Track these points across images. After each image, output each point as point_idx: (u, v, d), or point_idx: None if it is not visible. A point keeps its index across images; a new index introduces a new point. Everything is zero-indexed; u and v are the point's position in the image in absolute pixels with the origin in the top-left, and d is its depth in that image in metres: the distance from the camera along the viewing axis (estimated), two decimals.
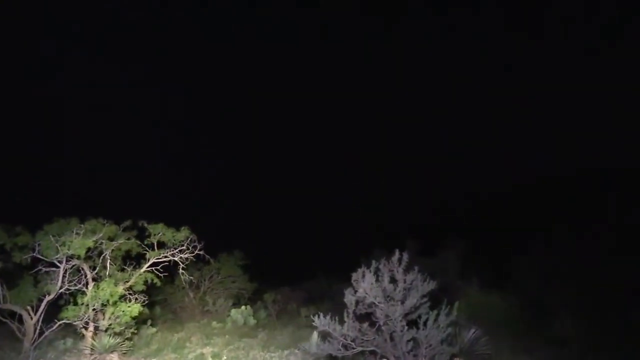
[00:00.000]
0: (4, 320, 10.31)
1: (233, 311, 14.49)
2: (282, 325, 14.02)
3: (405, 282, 8.24)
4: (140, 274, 10.98)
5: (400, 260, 8.40)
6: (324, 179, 26.15)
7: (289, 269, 21.98)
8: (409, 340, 8.01)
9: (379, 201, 25.03)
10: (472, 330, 9.03)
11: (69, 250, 9.72)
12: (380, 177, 25.05)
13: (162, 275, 11.25)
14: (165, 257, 11.24)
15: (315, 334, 10.59)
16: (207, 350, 11.34)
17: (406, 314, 8.19)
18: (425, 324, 8.08)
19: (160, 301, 15.38)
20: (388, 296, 8.22)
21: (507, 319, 11.38)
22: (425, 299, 8.40)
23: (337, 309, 8.88)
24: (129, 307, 10.31)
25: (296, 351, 10.64)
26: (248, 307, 14.80)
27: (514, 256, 14.91)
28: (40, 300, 10.17)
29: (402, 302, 8.17)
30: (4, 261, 10.08)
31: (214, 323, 14.07)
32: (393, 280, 8.37)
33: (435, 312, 8.20)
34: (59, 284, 10.16)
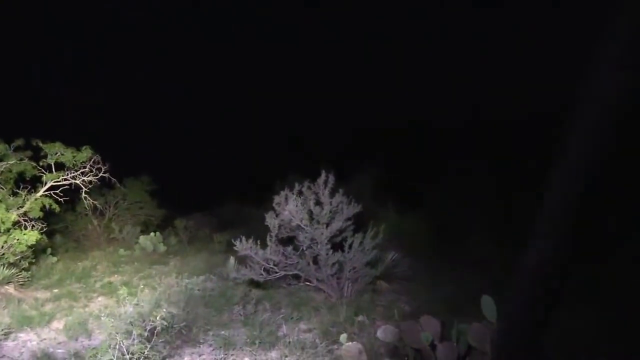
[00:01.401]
0: None
1: (141, 238, 13.73)
2: (194, 251, 13.57)
3: (331, 204, 8.03)
4: (36, 199, 9.90)
5: (326, 182, 8.16)
6: (231, 105, 25.15)
7: (199, 195, 21.33)
8: (333, 264, 7.92)
9: (290, 126, 24.58)
10: (393, 253, 9.11)
11: None
12: (293, 104, 24.46)
13: (62, 200, 10.24)
14: (65, 179, 10.19)
15: (232, 259, 10.28)
16: (116, 278, 10.71)
17: (331, 237, 8.05)
18: (350, 247, 8.00)
19: (61, 229, 14.23)
20: (313, 219, 8.00)
21: (423, 242, 11.72)
22: (349, 222, 8.30)
23: (252, 234, 8.58)
24: (24, 235, 9.31)
25: (212, 277, 10.30)
26: (157, 233, 14.09)
27: (427, 182, 15.37)
28: None
29: (328, 225, 8.01)
30: None
31: (121, 251, 13.31)
32: (318, 203, 8.14)
33: (360, 234, 8.13)
34: None
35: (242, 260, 10.30)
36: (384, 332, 4.91)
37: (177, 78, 24.80)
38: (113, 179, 11.04)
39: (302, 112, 24.26)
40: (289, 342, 6.44)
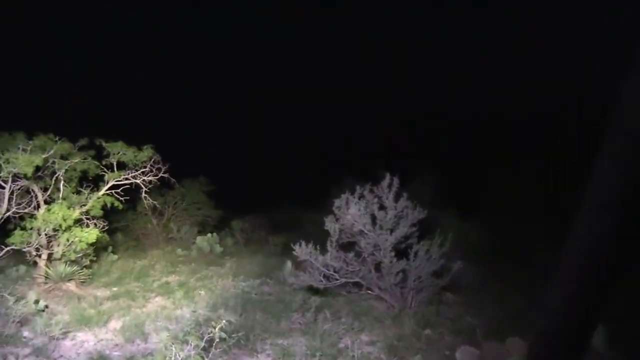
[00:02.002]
0: None
1: (199, 238, 13.72)
2: (250, 253, 13.39)
3: (396, 209, 7.56)
4: (98, 198, 9.94)
5: (390, 185, 7.69)
6: (287, 107, 25.01)
7: (254, 197, 21.30)
8: (398, 272, 7.45)
9: (344, 131, 24.20)
10: (459, 262, 8.52)
11: (14, 168, 8.55)
12: (345, 109, 24.09)
13: (123, 199, 10.26)
14: (126, 179, 10.19)
15: (288, 263, 10.00)
16: (173, 278, 10.63)
17: (395, 244, 7.59)
18: (416, 255, 7.51)
19: (121, 228, 14.43)
20: (376, 224, 7.56)
21: (487, 250, 11.05)
22: (414, 229, 7.81)
23: (307, 238, 8.23)
24: (85, 232, 9.34)
25: (269, 280, 10.04)
26: (214, 234, 14.04)
27: (486, 188, 14.65)
28: None
29: (392, 231, 7.54)
30: None
31: (179, 250, 13.31)
32: (382, 208, 7.70)
33: (427, 242, 7.62)
34: (5, 206, 9.05)
35: (298, 265, 10.00)
36: (463, 354, 4.41)
37: (235, 80, 24.97)
38: (172, 179, 10.99)
39: (354, 115, 23.89)
40: (352, 355, 6.03)
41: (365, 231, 7.54)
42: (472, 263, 9.05)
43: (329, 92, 24.09)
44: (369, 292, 8.04)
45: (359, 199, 7.88)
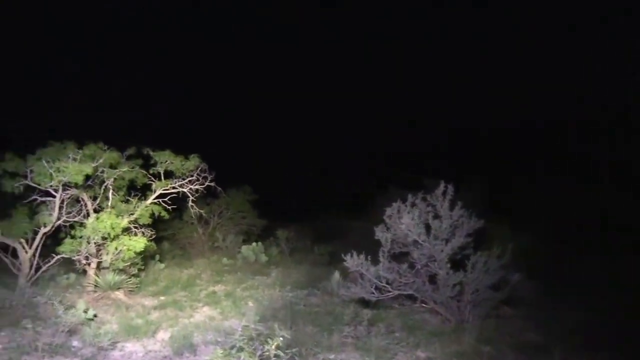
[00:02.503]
0: None
1: (244, 248, 13.62)
2: (295, 262, 13.18)
3: (451, 218, 7.18)
4: (146, 206, 9.94)
5: (445, 193, 7.32)
6: (329, 116, 24.82)
7: (297, 206, 21.21)
8: (454, 285, 7.06)
9: (387, 141, 23.85)
10: (517, 274, 8.02)
11: (64, 177, 8.62)
12: (385, 119, 23.74)
13: (170, 208, 10.24)
14: (174, 187, 10.16)
15: (336, 274, 9.72)
16: (219, 288, 10.51)
17: (451, 255, 7.20)
18: (473, 266, 7.10)
19: (168, 236, 14.51)
20: (432, 234, 7.19)
21: (544, 261, 10.48)
22: (470, 239, 7.40)
23: (353, 248, 7.92)
24: (133, 241, 9.33)
25: (316, 291, 9.78)
26: (259, 243, 13.93)
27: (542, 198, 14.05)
28: (36, 233, 9.20)
29: (448, 241, 7.16)
30: None
31: (225, 260, 13.24)
32: (436, 217, 7.33)
33: (484, 253, 7.20)
34: (56, 215, 9.14)
35: (346, 275, 9.70)
36: None
37: (280, 91, 25.03)
38: (219, 188, 10.91)
39: (395, 124, 23.53)
40: None
41: (420, 241, 7.18)
42: (530, 276, 8.54)
43: (369, 100, 23.85)
44: (423, 305, 7.67)
45: (412, 207, 7.54)
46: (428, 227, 7.34)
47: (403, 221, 7.26)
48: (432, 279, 7.44)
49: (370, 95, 23.77)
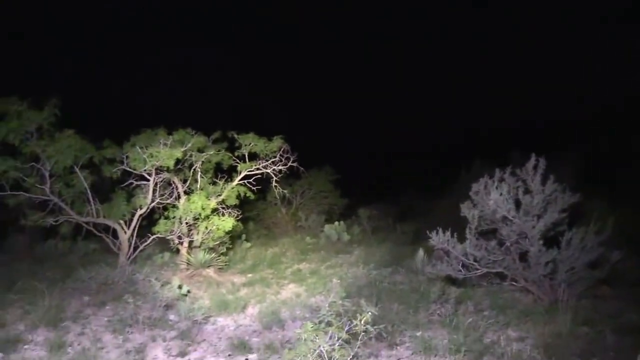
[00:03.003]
0: (99, 234, 10.12)
1: (326, 227, 13.78)
2: (378, 241, 13.12)
3: (544, 192, 6.82)
4: (232, 187, 10.30)
5: (536, 167, 6.95)
6: (412, 92, 24.25)
7: (378, 185, 21.07)
8: (547, 263, 6.72)
9: (470, 113, 22.96)
10: (617, 252, 7.46)
11: (157, 162, 9.10)
12: (465, 92, 22.80)
13: (254, 189, 10.53)
14: (258, 169, 10.43)
15: (420, 251, 9.58)
16: (304, 266, 10.73)
17: (544, 232, 6.85)
18: (569, 243, 6.72)
19: (253, 217, 14.99)
20: (521, 210, 6.88)
21: None
22: (565, 214, 6.99)
23: (437, 226, 7.68)
24: (222, 221, 9.72)
25: (400, 269, 9.71)
26: (341, 222, 14.02)
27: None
28: (133, 215, 9.82)
29: (540, 218, 6.82)
30: (95, 175, 9.71)
31: (308, 238, 13.47)
32: (527, 192, 6.99)
33: (582, 229, 6.79)
34: (150, 197, 9.70)
35: (430, 253, 9.52)
36: None
37: (359, 69, 24.82)
38: (301, 168, 11.05)
39: (477, 97, 22.58)
40: (501, 352, 5.51)
41: (510, 217, 6.88)
42: (632, 253, 7.94)
43: (449, 75, 23.06)
44: (514, 283, 7.37)
45: (500, 182, 7.23)
46: (518, 203, 7.01)
47: (491, 197, 6.99)
48: (523, 256, 7.12)
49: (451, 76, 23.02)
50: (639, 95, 16.51)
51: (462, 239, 7.46)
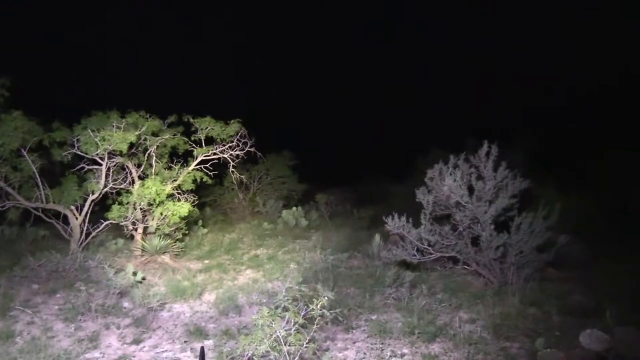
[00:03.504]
0: (49, 220, 9.79)
1: (284, 212, 13.78)
2: (336, 226, 13.23)
3: (495, 179, 7.03)
4: (188, 172, 10.13)
5: (488, 154, 7.15)
6: (369, 78, 24.34)
7: (336, 170, 21.14)
8: (498, 247, 6.95)
9: (427, 102, 23.24)
10: (564, 237, 7.78)
11: (109, 145, 8.83)
12: (428, 77, 23.04)
13: (211, 174, 10.39)
14: (215, 154, 10.28)
15: (377, 237, 9.71)
16: (261, 251, 10.70)
17: (495, 217, 7.07)
18: (518, 228, 6.96)
19: (210, 202, 14.82)
20: (475, 196, 7.07)
21: (594, 225, 10.13)
22: (515, 200, 7.23)
23: (394, 211, 7.84)
24: (178, 206, 9.56)
25: (356, 254, 9.83)
26: (299, 208, 14.05)
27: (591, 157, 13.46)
28: (85, 200, 9.54)
29: (491, 203, 7.03)
30: (44, 158, 9.37)
31: (265, 224, 13.42)
32: (479, 178, 7.18)
33: (531, 214, 7.04)
34: (103, 182, 9.44)
35: (386, 238, 9.69)
36: (589, 338, 3.94)
37: (325, 54, 24.61)
38: (259, 153, 10.96)
39: (443, 84, 22.85)
40: (453, 334, 5.68)
41: (463, 203, 7.07)
42: (577, 238, 8.29)
43: (418, 58, 23.18)
44: (466, 267, 7.60)
45: (454, 168, 7.40)
46: (471, 189, 7.21)
47: (445, 183, 7.15)
48: (475, 240, 7.34)
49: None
50: (597, 83, 17.08)
51: (417, 224, 7.62)
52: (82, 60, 18.75)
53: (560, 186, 12.38)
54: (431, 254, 7.41)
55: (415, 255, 7.45)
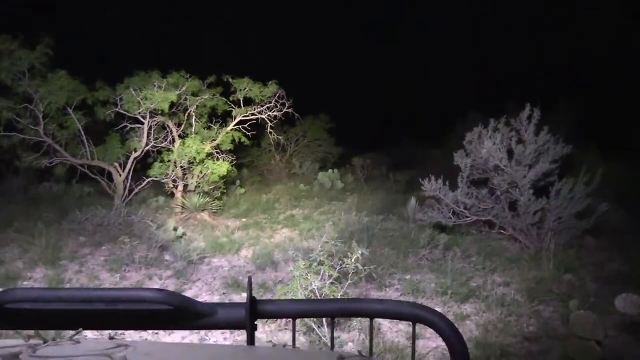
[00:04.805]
0: (94, 177, 10.18)
1: (320, 174, 13.86)
2: (371, 189, 13.23)
3: (536, 143, 6.90)
4: (227, 133, 10.29)
5: (530, 117, 7.00)
6: (407, 44, 23.78)
7: (373, 134, 21.01)
8: (535, 212, 6.87)
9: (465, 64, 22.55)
10: (604, 204, 7.60)
11: (151, 104, 9.05)
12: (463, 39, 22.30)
13: (249, 134, 10.53)
14: (253, 114, 10.39)
15: (412, 200, 9.70)
16: (297, 212, 10.87)
17: (534, 182, 6.97)
18: (558, 193, 6.85)
19: (247, 163, 15.01)
20: (515, 160, 6.97)
21: (636, 192, 9.85)
22: (556, 165, 7.09)
23: (430, 175, 7.82)
24: (217, 165, 9.78)
25: (391, 216, 9.86)
26: (335, 170, 14.11)
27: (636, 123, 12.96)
28: (128, 158, 9.85)
29: (531, 167, 6.92)
30: (88, 117, 9.67)
31: (301, 186, 13.56)
32: (520, 142, 7.06)
33: (571, 180, 6.91)
34: (144, 140, 9.71)
35: (422, 201, 9.68)
36: (624, 302, 3.92)
37: (356, 18, 24.22)
38: (297, 115, 11.01)
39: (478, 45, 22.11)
40: (486, 296, 5.73)
41: (502, 166, 6.99)
42: (619, 206, 8.10)
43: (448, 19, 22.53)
44: (502, 231, 7.56)
45: (494, 132, 7.29)
46: (510, 153, 7.10)
47: (484, 146, 7.07)
48: (513, 205, 7.28)
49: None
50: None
51: (454, 187, 7.60)
52: (124, 22, 18.98)
53: (603, 152, 12.04)
54: (467, 217, 7.40)
55: (451, 218, 7.45)
